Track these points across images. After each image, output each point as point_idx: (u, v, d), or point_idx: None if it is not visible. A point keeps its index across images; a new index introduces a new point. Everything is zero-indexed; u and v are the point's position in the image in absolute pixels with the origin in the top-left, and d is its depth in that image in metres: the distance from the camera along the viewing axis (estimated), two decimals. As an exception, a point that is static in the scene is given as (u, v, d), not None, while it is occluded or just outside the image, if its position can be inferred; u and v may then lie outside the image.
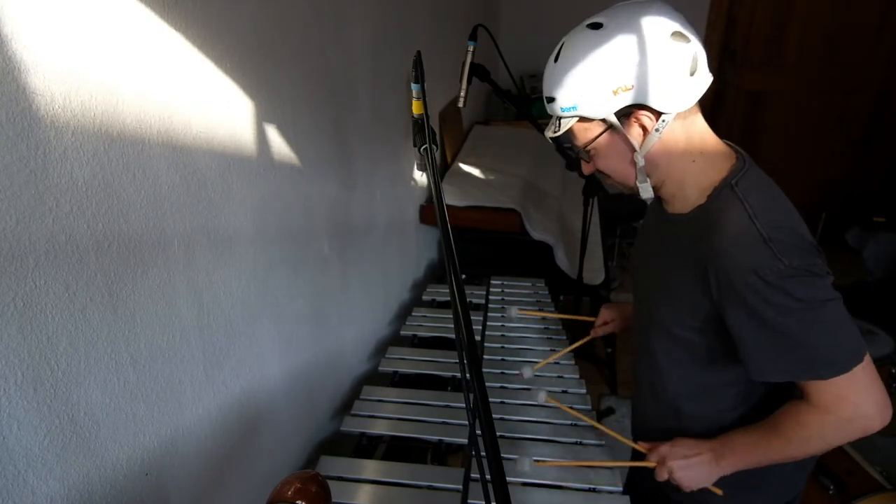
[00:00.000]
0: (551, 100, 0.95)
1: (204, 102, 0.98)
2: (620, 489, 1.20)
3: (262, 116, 1.16)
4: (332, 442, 1.60)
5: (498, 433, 1.03)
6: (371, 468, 1.26)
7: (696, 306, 0.98)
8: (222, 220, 1.06)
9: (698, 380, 1.08)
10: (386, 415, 1.44)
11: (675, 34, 0.88)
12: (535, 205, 2.49)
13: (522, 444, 1.33)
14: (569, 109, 0.93)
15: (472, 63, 1.77)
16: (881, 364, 2.05)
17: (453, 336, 1.17)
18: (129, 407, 0.86)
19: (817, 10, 3.61)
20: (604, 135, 0.95)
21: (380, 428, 1.40)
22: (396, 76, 1.95)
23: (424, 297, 2.10)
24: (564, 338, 1.74)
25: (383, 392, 1.53)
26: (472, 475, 1.22)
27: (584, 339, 1.46)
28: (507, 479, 0.62)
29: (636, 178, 0.99)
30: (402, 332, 1.88)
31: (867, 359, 0.90)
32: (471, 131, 3.24)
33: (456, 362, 1.63)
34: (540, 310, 1.87)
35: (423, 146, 0.97)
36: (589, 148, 0.98)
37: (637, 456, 1.13)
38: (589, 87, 0.90)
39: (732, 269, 0.89)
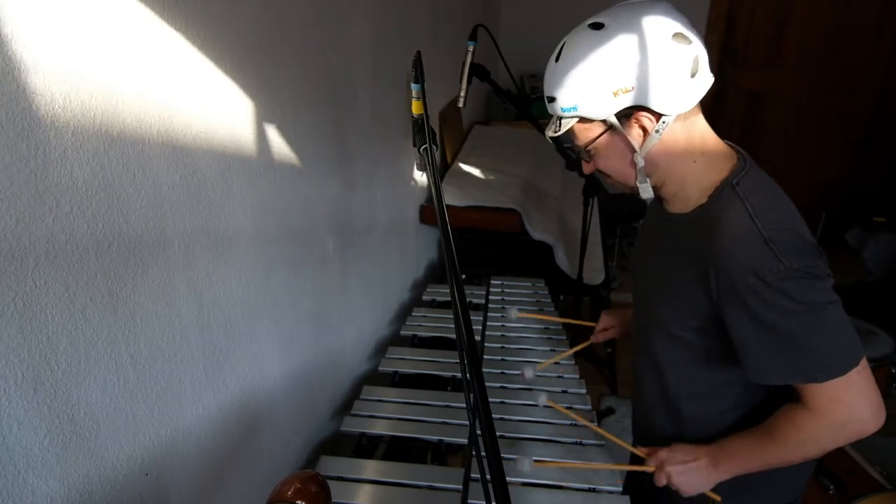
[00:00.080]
0: (552, 100, 0.95)
1: (204, 102, 0.98)
2: (620, 489, 1.20)
3: (262, 116, 1.16)
4: (332, 442, 1.59)
5: (498, 433, 1.03)
6: (371, 468, 1.26)
7: (696, 306, 0.98)
8: (222, 220, 1.06)
9: (698, 380, 1.08)
10: (386, 415, 1.44)
11: (677, 35, 0.87)
12: (535, 205, 2.49)
13: (522, 445, 1.33)
14: (569, 110, 0.93)
15: (472, 63, 1.77)
16: (881, 364, 2.05)
17: (453, 336, 1.17)
18: (129, 407, 0.86)
19: (817, 10, 3.61)
20: (604, 135, 0.95)
21: (380, 428, 1.40)
22: (396, 76, 1.95)
23: (424, 297, 2.10)
24: (564, 337, 1.74)
25: (383, 392, 1.53)
26: (472, 475, 1.22)
27: (584, 344, 1.46)
28: (508, 479, 0.62)
29: (636, 178, 0.99)
30: (402, 332, 1.88)
31: (863, 362, 0.90)
32: (471, 131, 3.24)
33: (456, 362, 1.63)
34: (540, 310, 1.87)
35: (423, 146, 0.97)
36: (589, 148, 0.98)
37: (636, 460, 1.14)
38: (589, 88, 0.90)
39: (733, 269, 0.89)
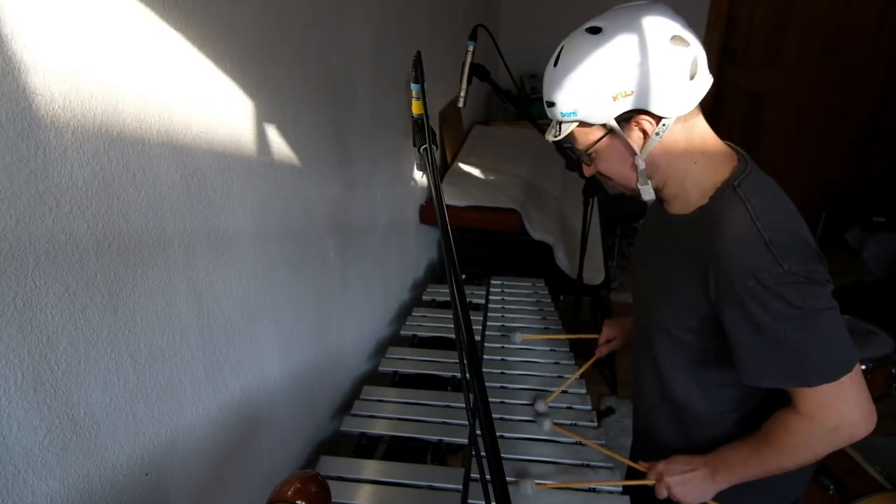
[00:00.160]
0: (551, 104, 0.95)
1: (204, 102, 0.98)
2: (620, 489, 1.20)
3: (262, 116, 1.16)
4: (332, 442, 1.59)
5: (497, 433, 1.03)
6: (371, 468, 1.26)
7: (696, 307, 0.98)
8: (222, 220, 1.06)
9: (697, 381, 1.08)
10: (386, 415, 1.44)
11: (675, 38, 0.87)
12: (535, 205, 2.49)
13: (522, 444, 1.33)
14: (569, 115, 0.93)
15: (472, 63, 1.77)
16: (881, 364, 2.05)
17: (453, 336, 1.17)
18: (129, 407, 0.86)
19: (817, 10, 3.61)
20: (604, 139, 0.95)
21: (380, 428, 1.40)
22: (396, 76, 1.95)
23: (424, 297, 2.10)
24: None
25: (383, 392, 1.53)
26: (472, 475, 1.22)
27: (591, 361, 1.47)
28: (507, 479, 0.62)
29: (637, 180, 0.99)
30: (402, 332, 1.88)
31: (856, 368, 0.90)
32: (471, 131, 3.24)
33: (456, 362, 1.63)
34: (545, 328, 1.86)
35: (423, 146, 0.97)
36: (590, 152, 0.98)
37: (636, 474, 1.14)
38: (588, 92, 0.90)
39: (733, 270, 0.89)
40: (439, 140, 2.60)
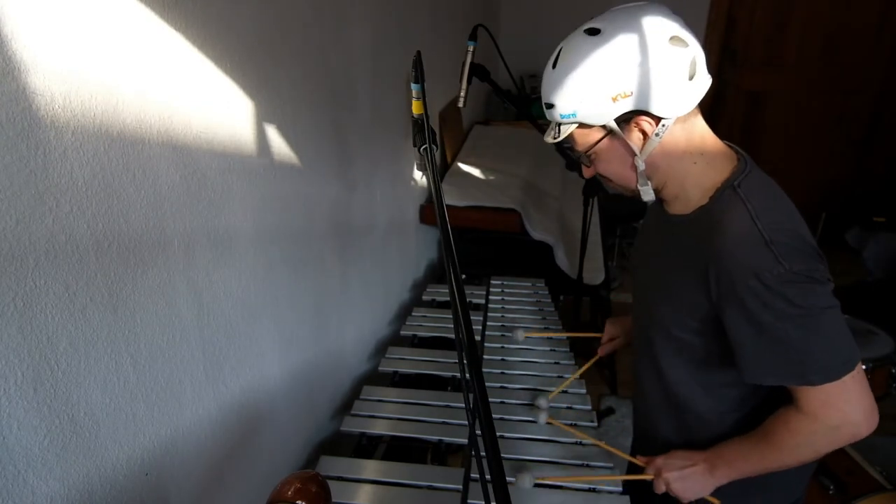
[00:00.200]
0: (550, 106, 0.95)
1: (204, 102, 0.98)
2: (620, 489, 1.20)
3: (262, 116, 1.16)
4: (332, 442, 1.59)
5: (497, 433, 1.03)
6: (371, 468, 1.26)
7: (696, 307, 0.98)
8: (222, 220, 1.06)
9: (698, 380, 1.08)
10: (386, 415, 1.44)
11: (674, 39, 0.87)
12: (535, 205, 2.49)
13: (522, 444, 1.33)
14: (568, 116, 0.93)
15: (472, 63, 1.77)
16: (881, 364, 2.05)
17: (453, 336, 1.17)
18: (129, 407, 0.86)
19: (817, 10, 3.61)
20: (604, 140, 0.95)
21: (380, 428, 1.40)
22: (396, 76, 1.95)
23: (424, 297, 2.10)
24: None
25: (383, 392, 1.53)
26: (472, 475, 1.22)
27: (592, 360, 1.47)
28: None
29: (637, 181, 0.99)
30: (402, 332, 1.88)
31: (858, 367, 0.90)
32: (471, 131, 3.24)
33: (456, 362, 1.63)
34: (546, 328, 1.86)
35: (423, 146, 0.97)
36: (589, 153, 0.98)
37: (635, 469, 1.14)
38: (588, 94, 0.90)
39: (734, 269, 0.89)
40: (439, 140, 2.60)
